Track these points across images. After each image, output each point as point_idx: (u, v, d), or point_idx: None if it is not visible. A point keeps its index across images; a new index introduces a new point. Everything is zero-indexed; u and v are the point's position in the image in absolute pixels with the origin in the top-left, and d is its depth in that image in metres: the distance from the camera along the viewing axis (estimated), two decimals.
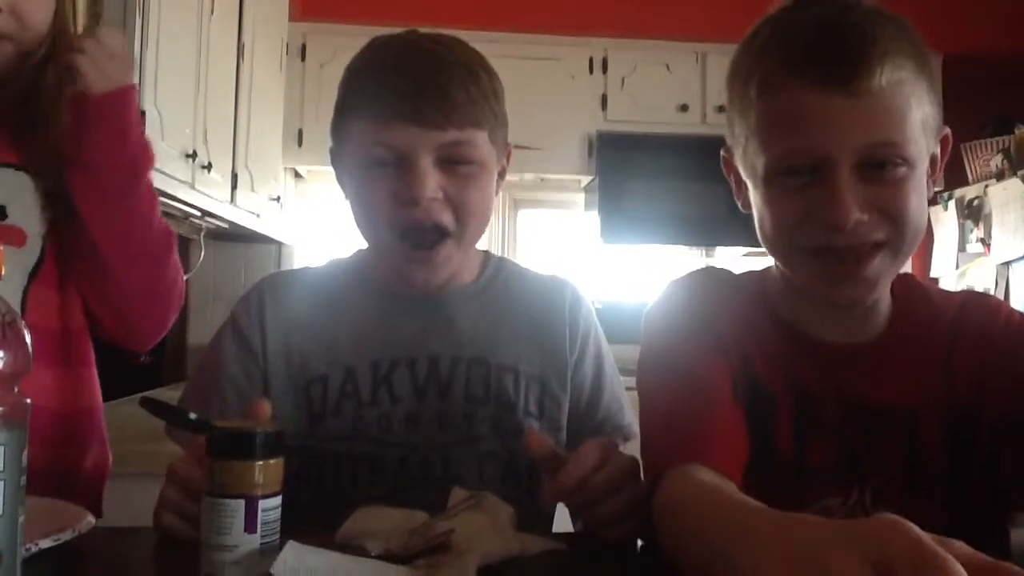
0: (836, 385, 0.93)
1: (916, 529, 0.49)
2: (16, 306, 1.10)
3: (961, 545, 0.50)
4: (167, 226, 1.24)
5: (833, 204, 0.84)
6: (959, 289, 1.07)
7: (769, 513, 0.63)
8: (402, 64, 1.02)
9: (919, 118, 0.86)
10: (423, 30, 1.07)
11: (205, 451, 0.72)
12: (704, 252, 3.91)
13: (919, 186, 0.87)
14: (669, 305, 1.02)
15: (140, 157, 1.18)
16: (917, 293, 0.99)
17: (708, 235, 3.57)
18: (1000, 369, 0.92)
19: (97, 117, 1.12)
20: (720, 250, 3.80)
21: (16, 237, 1.14)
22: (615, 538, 0.86)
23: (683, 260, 3.91)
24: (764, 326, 0.97)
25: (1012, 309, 0.99)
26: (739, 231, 3.50)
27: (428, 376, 1.09)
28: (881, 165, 0.84)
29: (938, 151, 0.92)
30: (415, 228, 1.02)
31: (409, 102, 0.99)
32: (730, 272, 1.05)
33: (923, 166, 0.88)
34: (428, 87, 1.00)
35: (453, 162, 1.02)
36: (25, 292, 1.14)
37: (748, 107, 0.89)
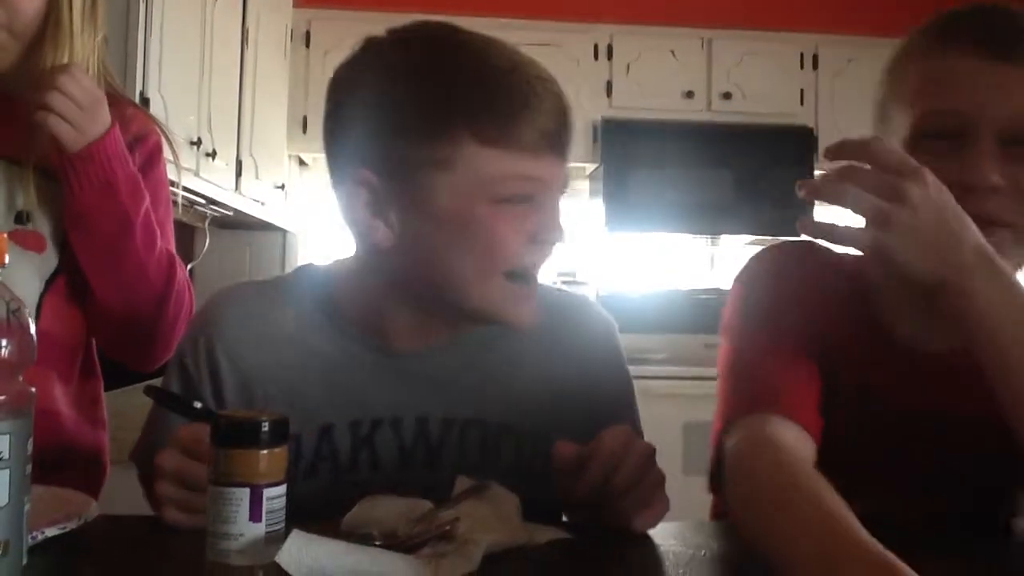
0: (915, 392, 0.91)
1: None
2: (31, 312, 1.09)
3: None
4: (167, 256, 1.20)
5: (971, 164, 0.83)
6: None
7: (855, 547, 0.62)
8: (528, 81, 0.88)
9: None
10: (434, 18, 0.97)
11: (210, 440, 0.72)
12: (710, 240, 3.90)
13: None
14: (770, 266, 1.01)
15: (130, 203, 1.12)
16: None
17: (713, 223, 3.57)
18: None
19: (80, 171, 1.08)
20: (725, 238, 3.80)
21: (37, 243, 1.13)
22: (638, 528, 0.86)
23: (688, 248, 3.91)
24: (855, 319, 0.96)
25: None
26: (744, 219, 3.50)
27: (415, 439, 0.97)
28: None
29: None
30: (534, 267, 0.92)
31: (557, 131, 0.89)
32: (831, 252, 1.00)
33: None
34: (563, 111, 0.90)
35: (561, 193, 0.94)
36: (41, 299, 1.13)
37: (901, 80, 0.89)
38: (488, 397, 0.98)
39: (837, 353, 0.93)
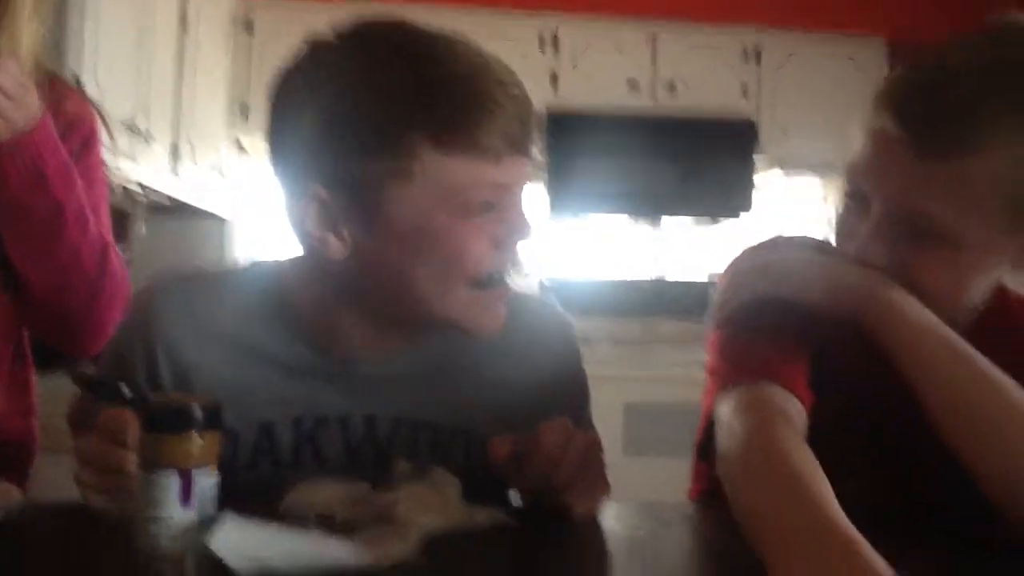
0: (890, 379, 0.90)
1: None
2: None
3: None
4: (101, 242, 1.16)
5: (861, 243, 0.85)
6: None
7: (833, 537, 0.62)
8: (489, 85, 0.83)
9: (1017, 198, 0.79)
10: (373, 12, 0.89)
11: (140, 425, 0.70)
12: (651, 226, 3.94)
13: (965, 267, 0.84)
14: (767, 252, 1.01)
15: (62, 192, 1.09)
16: (1000, 305, 0.94)
17: (655, 210, 3.63)
18: None
19: (8, 161, 1.05)
20: (666, 221, 3.84)
21: None
22: (583, 514, 0.85)
23: (630, 235, 3.94)
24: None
25: None
26: (686, 203, 3.55)
27: (363, 438, 0.95)
28: (920, 227, 0.82)
29: None
30: (500, 272, 0.89)
31: (519, 133, 0.85)
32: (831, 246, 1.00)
33: (990, 252, 0.84)
34: (525, 114, 0.86)
35: (523, 191, 0.91)
36: None
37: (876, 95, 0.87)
38: (441, 401, 0.96)
39: (823, 337, 0.94)
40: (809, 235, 1.01)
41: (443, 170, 0.82)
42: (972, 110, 0.77)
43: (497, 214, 0.86)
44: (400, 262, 0.85)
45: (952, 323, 0.84)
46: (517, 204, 0.89)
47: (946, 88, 0.78)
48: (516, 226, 0.88)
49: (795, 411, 0.83)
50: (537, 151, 3.50)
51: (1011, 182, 0.79)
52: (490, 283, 0.88)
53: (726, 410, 0.84)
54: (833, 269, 0.88)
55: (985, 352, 0.82)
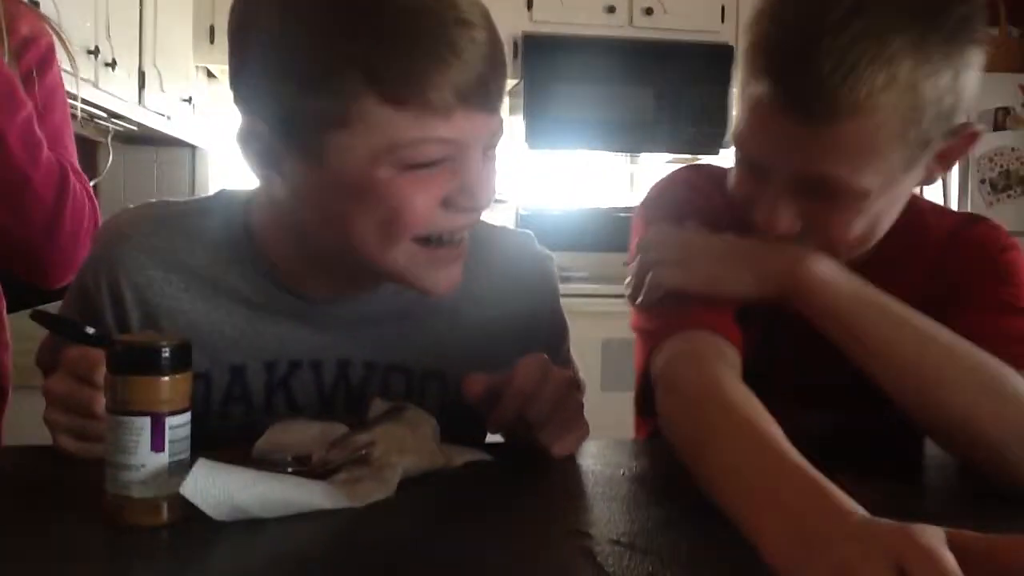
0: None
1: (934, 541, 0.49)
2: None
3: (976, 537, 0.51)
4: (58, 167, 1.13)
5: (764, 210, 0.84)
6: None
7: (793, 471, 0.61)
8: (444, 27, 0.73)
9: (905, 137, 0.79)
10: None
11: (107, 366, 0.68)
12: (629, 158, 3.90)
13: (871, 211, 0.83)
14: (672, 195, 1.01)
15: (3, 121, 1.05)
16: (910, 214, 0.93)
17: (634, 141, 3.56)
18: (971, 299, 0.90)
19: None
20: (645, 156, 3.80)
21: None
22: (557, 454, 0.85)
23: (608, 166, 3.90)
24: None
25: (1006, 239, 0.95)
26: (664, 137, 3.51)
27: (336, 382, 0.93)
28: (820, 188, 0.81)
29: (953, 144, 0.84)
30: (451, 234, 0.83)
31: (479, 84, 0.75)
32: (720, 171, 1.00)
33: (894, 187, 0.83)
34: (490, 60, 0.76)
35: (491, 146, 0.82)
36: None
37: (745, 81, 0.84)
38: (415, 344, 0.94)
39: None
40: (714, 170, 1.00)
41: (383, 121, 0.74)
42: (851, 68, 0.75)
43: (448, 169, 0.78)
44: (341, 211, 0.79)
45: (876, 252, 0.88)
46: (473, 161, 0.79)
47: (818, 48, 0.75)
48: (471, 186, 0.79)
49: (730, 353, 0.83)
50: (510, 79, 3.45)
51: (900, 126, 0.78)
52: (439, 243, 0.82)
53: (662, 365, 0.83)
54: (751, 256, 0.86)
55: (902, 265, 0.87)
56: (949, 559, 0.48)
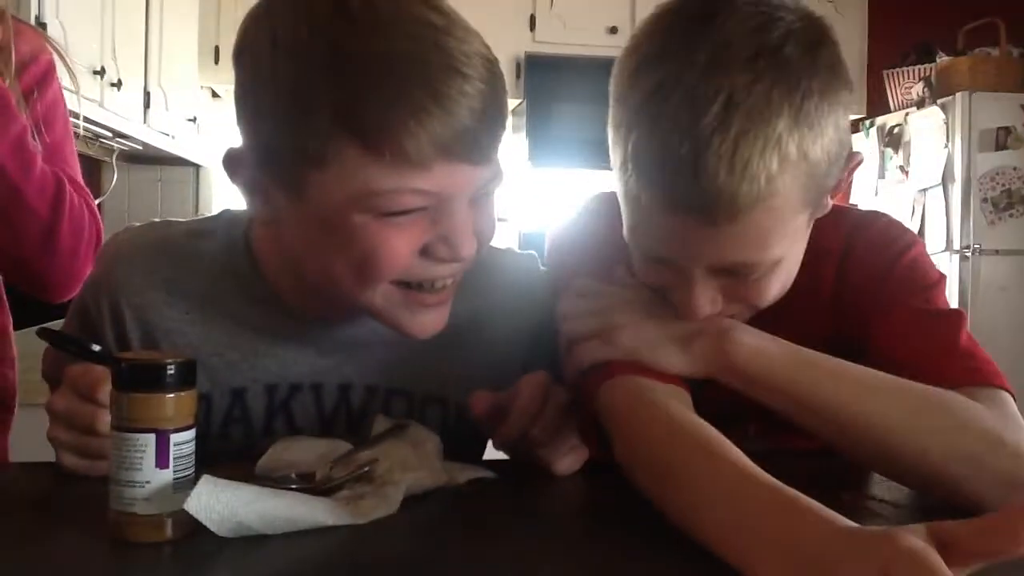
0: None
1: (918, 543, 0.50)
2: None
3: (958, 524, 0.52)
4: (54, 181, 1.12)
5: (684, 301, 0.82)
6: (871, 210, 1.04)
7: (771, 495, 0.61)
8: (434, 74, 0.70)
9: (806, 200, 0.78)
10: None
11: (112, 383, 0.68)
12: None
13: (786, 267, 0.83)
14: (585, 228, 1.00)
15: None
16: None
17: None
18: (883, 310, 0.89)
19: None
20: None
21: None
22: (560, 472, 0.85)
23: (609, 185, 3.91)
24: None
25: (902, 239, 0.94)
26: None
27: (337, 406, 0.93)
28: (733, 270, 0.81)
29: (844, 177, 0.84)
30: (431, 283, 0.81)
31: (469, 135, 0.72)
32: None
33: (803, 239, 0.84)
34: (477, 112, 0.72)
35: (484, 195, 0.80)
36: None
37: (623, 167, 0.81)
38: (416, 368, 0.93)
39: None
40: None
41: (359, 167, 0.71)
42: (745, 165, 0.72)
43: (428, 218, 0.75)
44: (320, 246, 0.78)
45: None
46: (455, 213, 0.76)
47: (707, 153, 0.72)
48: (451, 237, 0.76)
49: (677, 392, 0.81)
50: (513, 99, 3.46)
51: (800, 195, 0.76)
52: (419, 288, 0.80)
53: (615, 403, 0.82)
54: (676, 335, 0.83)
55: (807, 292, 0.88)
56: (935, 559, 0.49)
